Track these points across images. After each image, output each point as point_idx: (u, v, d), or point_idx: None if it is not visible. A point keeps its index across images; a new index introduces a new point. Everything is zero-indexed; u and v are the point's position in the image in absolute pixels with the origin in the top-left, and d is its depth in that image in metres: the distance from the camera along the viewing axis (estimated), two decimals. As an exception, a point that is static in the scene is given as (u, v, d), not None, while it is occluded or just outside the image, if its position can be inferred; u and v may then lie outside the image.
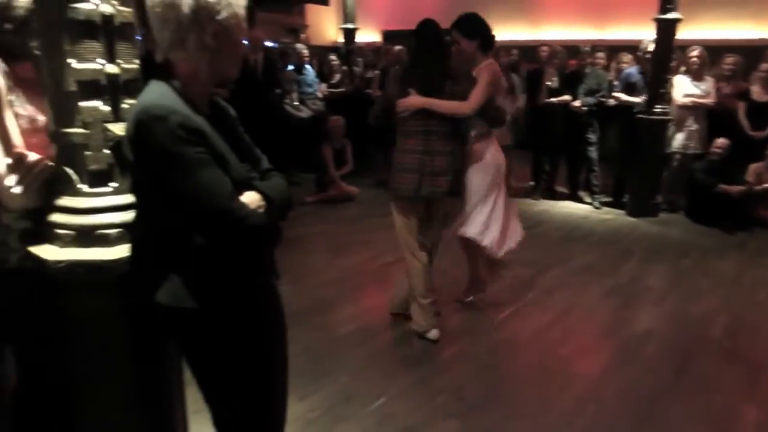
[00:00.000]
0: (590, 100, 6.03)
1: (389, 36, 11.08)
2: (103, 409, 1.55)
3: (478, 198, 3.28)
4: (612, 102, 6.10)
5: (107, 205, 1.47)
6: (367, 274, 4.29)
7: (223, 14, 1.32)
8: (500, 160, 3.35)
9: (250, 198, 1.39)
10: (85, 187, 1.47)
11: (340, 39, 9.97)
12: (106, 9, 1.41)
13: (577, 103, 6.07)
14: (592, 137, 6.18)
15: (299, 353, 2.78)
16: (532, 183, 6.81)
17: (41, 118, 1.56)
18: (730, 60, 5.85)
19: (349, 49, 8.76)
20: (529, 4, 10.26)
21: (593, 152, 6.21)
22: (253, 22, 5.11)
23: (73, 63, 1.40)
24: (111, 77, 1.45)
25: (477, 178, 3.27)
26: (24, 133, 1.53)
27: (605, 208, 6.22)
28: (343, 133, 6.49)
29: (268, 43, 8.12)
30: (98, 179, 1.47)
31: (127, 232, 1.46)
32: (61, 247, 1.44)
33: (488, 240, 3.29)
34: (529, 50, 7.07)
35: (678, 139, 5.86)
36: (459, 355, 3.11)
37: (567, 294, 3.94)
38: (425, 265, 3.18)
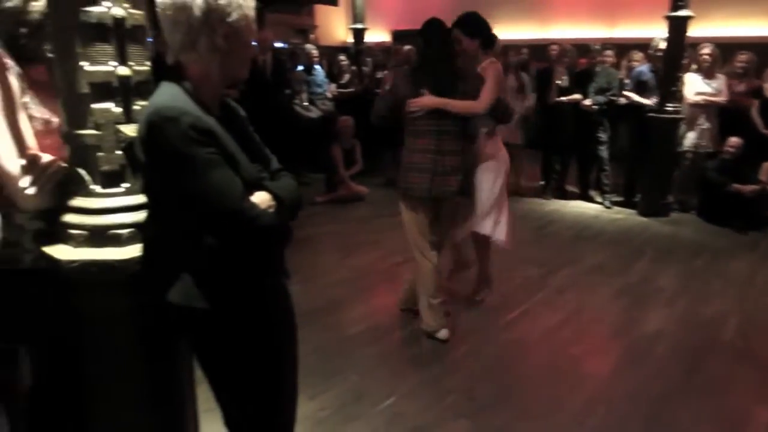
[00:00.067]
0: (601, 98, 5.99)
1: (398, 36, 11.05)
2: (116, 407, 1.57)
3: (490, 196, 3.31)
4: (623, 101, 6.05)
5: (119, 205, 1.48)
6: (377, 274, 4.30)
7: (234, 16, 1.33)
8: (506, 157, 3.44)
9: (261, 198, 1.40)
10: (97, 188, 1.48)
11: (350, 39, 9.98)
12: (118, 12, 1.43)
13: (587, 102, 6.03)
14: (603, 136, 6.14)
15: (309, 352, 2.80)
16: (542, 182, 6.77)
17: (55, 120, 1.57)
18: (742, 57, 5.78)
19: (358, 49, 8.77)
20: (539, 3, 10.20)
21: (604, 151, 6.17)
22: (262, 23, 5.13)
23: (86, 65, 1.42)
24: (123, 79, 1.46)
25: (488, 177, 3.31)
26: (38, 134, 1.55)
27: (616, 208, 6.18)
28: (353, 133, 6.50)
29: (278, 44, 8.14)
30: (110, 180, 1.49)
31: (139, 232, 1.48)
32: (74, 247, 1.46)
33: (500, 235, 3.38)
34: (538, 49, 7.04)
35: (689, 138, 5.80)
36: (469, 354, 3.11)
37: (577, 294, 3.92)
38: (435, 265, 3.18)
